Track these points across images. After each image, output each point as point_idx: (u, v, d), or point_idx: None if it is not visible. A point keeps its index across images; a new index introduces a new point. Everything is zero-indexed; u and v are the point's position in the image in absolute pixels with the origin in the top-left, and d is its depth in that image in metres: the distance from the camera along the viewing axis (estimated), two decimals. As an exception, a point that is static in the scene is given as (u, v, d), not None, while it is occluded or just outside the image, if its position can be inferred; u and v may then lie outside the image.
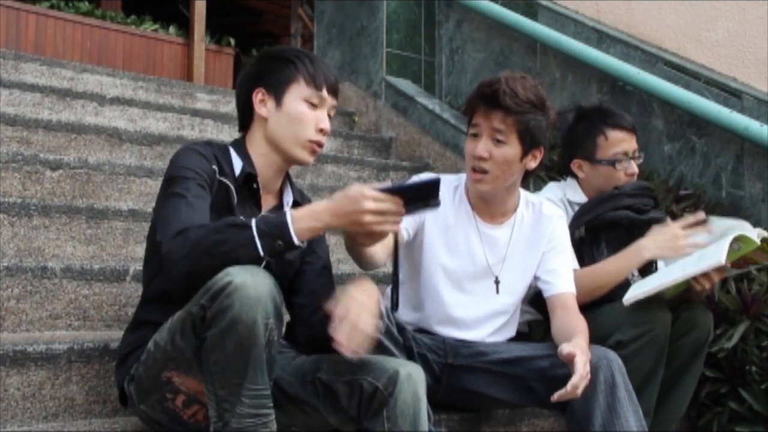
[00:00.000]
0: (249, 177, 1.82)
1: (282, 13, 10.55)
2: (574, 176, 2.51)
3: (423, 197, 1.63)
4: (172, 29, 8.32)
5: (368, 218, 1.55)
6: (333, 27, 4.90)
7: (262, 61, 1.89)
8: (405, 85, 4.44)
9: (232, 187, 1.79)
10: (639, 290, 2.13)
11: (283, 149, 1.84)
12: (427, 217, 2.09)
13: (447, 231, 2.13)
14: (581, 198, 2.46)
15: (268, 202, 1.88)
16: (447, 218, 2.12)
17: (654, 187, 2.53)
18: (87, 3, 7.85)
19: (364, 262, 1.85)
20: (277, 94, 1.83)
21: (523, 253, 2.16)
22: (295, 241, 1.56)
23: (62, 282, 2.20)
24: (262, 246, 1.54)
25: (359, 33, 4.65)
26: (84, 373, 1.95)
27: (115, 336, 2.07)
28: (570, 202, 2.45)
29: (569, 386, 1.76)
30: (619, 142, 2.40)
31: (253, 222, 1.56)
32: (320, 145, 1.87)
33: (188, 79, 7.75)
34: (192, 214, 1.64)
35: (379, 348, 1.79)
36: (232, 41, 8.88)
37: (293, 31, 10.20)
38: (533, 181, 3.36)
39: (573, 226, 2.36)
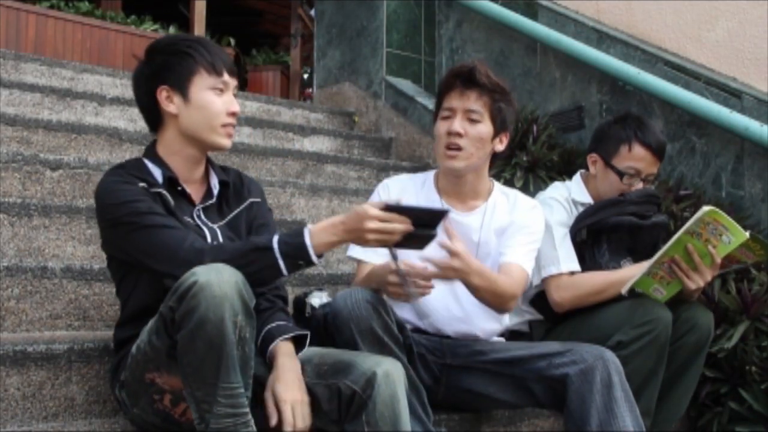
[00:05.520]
0: (171, 181, 1.85)
1: (282, 13, 10.55)
2: (584, 172, 2.52)
3: (426, 224, 1.71)
4: (172, 29, 8.31)
5: (371, 236, 1.66)
6: (333, 27, 4.89)
7: (156, 57, 1.87)
8: (405, 85, 4.44)
9: (165, 192, 1.81)
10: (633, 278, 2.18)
11: (200, 140, 1.86)
12: None
13: None
14: (586, 198, 2.46)
15: (198, 193, 1.91)
16: None
17: (659, 194, 2.52)
18: (87, 3, 7.85)
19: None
20: (182, 88, 1.83)
21: (496, 240, 2.16)
22: (314, 260, 1.65)
23: (62, 282, 2.20)
24: (285, 266, 1.65)
25: (359, 33, 4.65)
26: (84, 373, 1.95)
27: (115, 336, 2.07)
28: (575, 202, 2.45)
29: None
30: (639, 159, 2.39)
31: (275, 243, 1.64)
32: (234, 126, 1.90)
33: (188, 79, 7.74)
34: (174, 234, 1.68)
35: (379, 346, 1.80)
36: (232, 41, 8.89)
37: (293, 31, 10.19)
38: (533, 180, 3.36)
39: (575, 228, 2.37)
